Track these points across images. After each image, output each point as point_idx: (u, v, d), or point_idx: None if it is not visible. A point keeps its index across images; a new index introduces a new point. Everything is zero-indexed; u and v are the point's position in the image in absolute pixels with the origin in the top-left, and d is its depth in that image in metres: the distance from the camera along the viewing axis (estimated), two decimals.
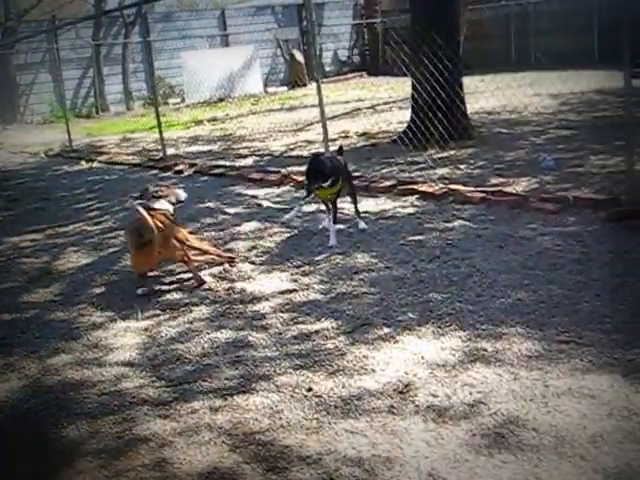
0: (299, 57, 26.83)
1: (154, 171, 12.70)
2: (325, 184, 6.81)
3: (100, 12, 26.35)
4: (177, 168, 12.25)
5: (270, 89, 27.40)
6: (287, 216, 7.84)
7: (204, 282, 6.27)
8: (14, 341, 5.57)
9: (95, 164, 14.54)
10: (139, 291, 6.26)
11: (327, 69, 29.52)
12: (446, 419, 3.76)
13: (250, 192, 9.82)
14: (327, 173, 6.79)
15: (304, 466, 3.49)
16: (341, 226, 7.44)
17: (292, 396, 4.21)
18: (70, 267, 7.38)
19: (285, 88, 27.23)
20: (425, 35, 10.80)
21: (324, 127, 10.03)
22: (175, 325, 5.50)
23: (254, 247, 7.11)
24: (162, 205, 6.55)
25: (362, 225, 7.34)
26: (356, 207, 7.46)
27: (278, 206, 8.71)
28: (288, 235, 7.45)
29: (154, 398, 4.38)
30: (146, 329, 5.50)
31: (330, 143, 10.25)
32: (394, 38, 14.14)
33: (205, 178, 11.40)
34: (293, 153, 12.56)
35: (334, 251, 6.75)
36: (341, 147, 7.81)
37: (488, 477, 3.25)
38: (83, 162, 14.81)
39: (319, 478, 3.39)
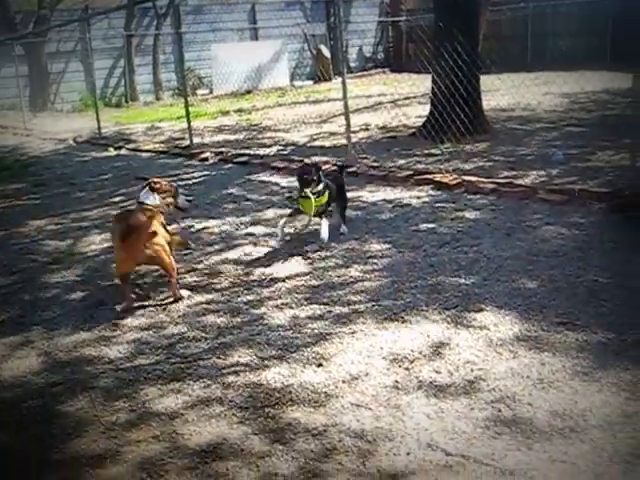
0: (325, 52, 26.90)
1: (180, 159, 12.89)
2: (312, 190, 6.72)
3: (132, 2, 26.31)
4: (202, 156, 12.47)
5: (296, 82, 27.54)
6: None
7: (182, 297, 5.81)
8: (34, 319, 5.71)
9: (122, 151, 14.70)
10: (118, 308, 5.75)
11: (352, 64, 29.71)
12: (447, 394, 3.98)
13: (273, 179, 10.06)
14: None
15: (310, 437, 3.70)
16: (359, 213, 7.76)
17: (302, 372, 4.41)
18: (93, 249, 7.56)
19: (311, 82, 27.39)
20: (446, 31, 11.01)
21: (347, 119, 10.27)
22: (193, 305, 5.68)
23: (274, 233, 7.22)
24: (154, 201, 6.12)
25: (343, 228, 7.19)
26: (343, 216, 7.28)
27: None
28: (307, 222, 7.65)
29: (168, 374, 4.56)
30: (164, 309, 5.67)
31: (352, 135, 10.52)
32: (417, 35, 14.34)
33: (230, 166, 11.60)
34: (316, 143, 12.77)
35: (350, 237, 6.97)
36: (343, 166, 7.96)
37: (483, 447, 3.47)
38: (111, 149, 14.96)
39: (323, 448, 3.59)
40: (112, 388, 4.46)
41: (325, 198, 6.78)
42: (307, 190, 6.67)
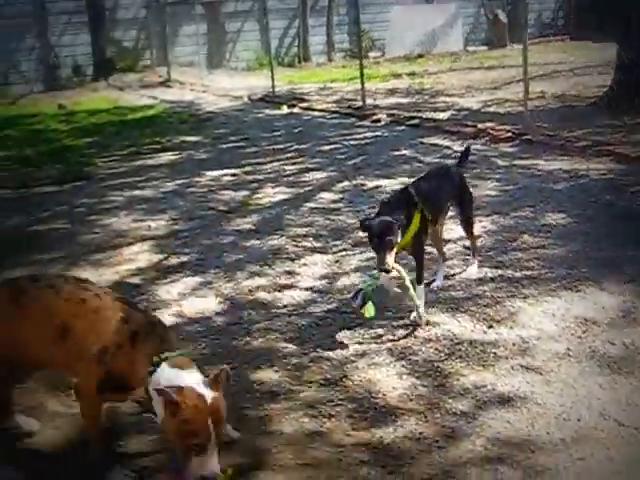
0: (502, 17, 26.44)
1: (352, 119, 12.94)
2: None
3: None
4: (375, 117, 12.46)
5: (470, 48, 27.22)
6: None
7: None
8: (211, 262, 5.99)
9: (295, 110, 14.88)
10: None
11: (530, 30, 29.04)
12: (621, 366, 3.91)
13: (445, 143, 9.99)
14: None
15: (478, 393, 3.77)
16: (534, 180, 7.60)
17: (472, 331, 4.47)
18: (267, 201, 7.81)
19: (485, 47, 26.97)
20: None
21: (526, 85, 10.16)
22: (363, 259, 5.77)
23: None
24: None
25: (438, 282, 5.25)
26: (472, 237, 5.54)
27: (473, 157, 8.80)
28: (481, 185, 7.60)
29: (339, 322, 4.72)
30: (336, 261, 5.83)
31: (528, 102, 10.33)
32: (602, 2, 13.88)
33: (402, 128, 11.57)
34: (490, 109, 12.52)
35: (523, 204, 6.88)
36: (468, 149, 5.90)
37: None
38: (284, 107, 15.15)
39: (492, 405, 3.65)
40: (285, 331, 4.66)
41: (410, 236, 4.73)
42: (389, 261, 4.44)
